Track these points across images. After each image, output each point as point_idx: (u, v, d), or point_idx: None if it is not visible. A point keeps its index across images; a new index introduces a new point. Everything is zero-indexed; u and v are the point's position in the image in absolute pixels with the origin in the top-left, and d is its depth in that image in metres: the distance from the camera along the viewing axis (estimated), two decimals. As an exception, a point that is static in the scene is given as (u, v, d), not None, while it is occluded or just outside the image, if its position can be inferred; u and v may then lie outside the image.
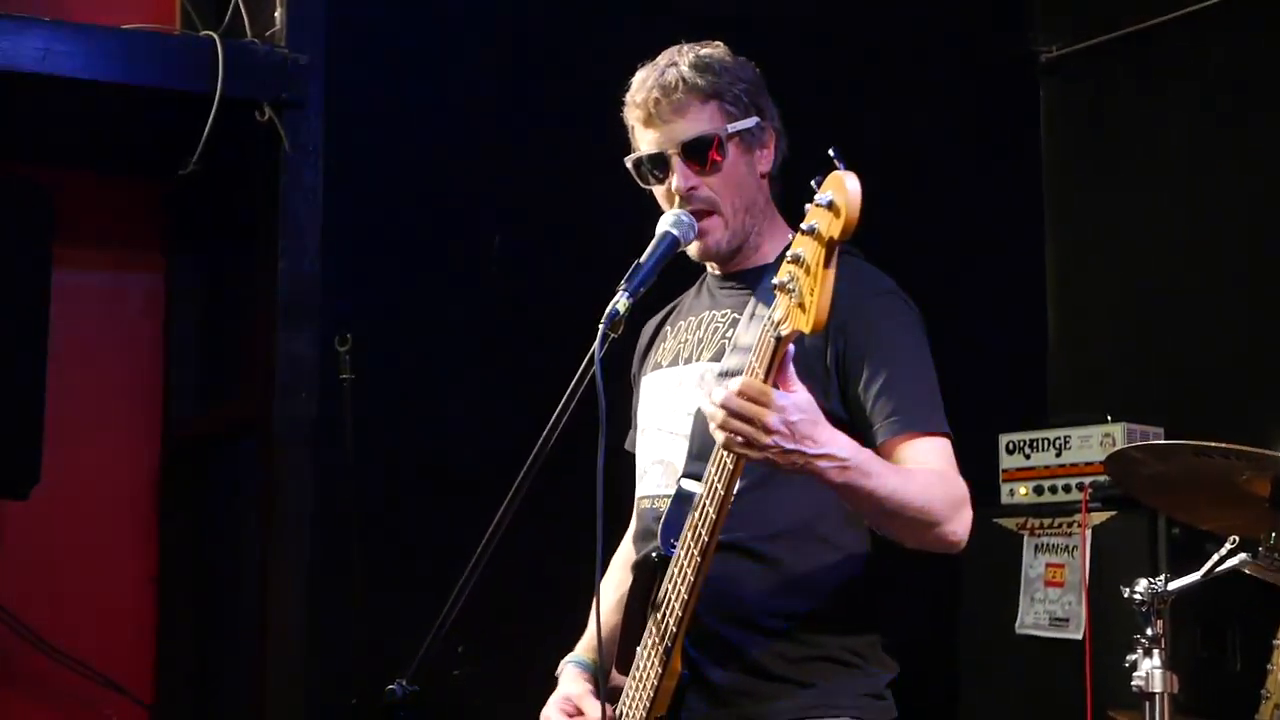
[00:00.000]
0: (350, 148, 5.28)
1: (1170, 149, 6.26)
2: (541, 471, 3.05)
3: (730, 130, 3.18)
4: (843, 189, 2.57)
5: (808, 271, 2.60)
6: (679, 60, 3.21)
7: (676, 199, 3.19)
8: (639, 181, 3.28)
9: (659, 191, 3.25)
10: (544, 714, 3.24)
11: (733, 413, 2.72)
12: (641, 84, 3.23)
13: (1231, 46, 6.08)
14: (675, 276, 3.38)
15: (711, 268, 3.35)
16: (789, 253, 2.64)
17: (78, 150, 5.44)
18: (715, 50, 3.25)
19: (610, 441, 2.89)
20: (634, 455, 3.42)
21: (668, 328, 3.44)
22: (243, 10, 5.00)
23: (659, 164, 3.22)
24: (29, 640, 5.36)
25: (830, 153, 2.65)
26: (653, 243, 3.11)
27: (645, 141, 3.24)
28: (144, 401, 5.71)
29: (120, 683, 5.51)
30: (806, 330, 2.62)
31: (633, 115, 3.26)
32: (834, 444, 2.80)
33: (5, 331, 4.94)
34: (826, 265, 2.58)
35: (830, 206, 2.58)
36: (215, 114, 4.80)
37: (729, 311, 3.24)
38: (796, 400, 2.74)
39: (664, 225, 3.14)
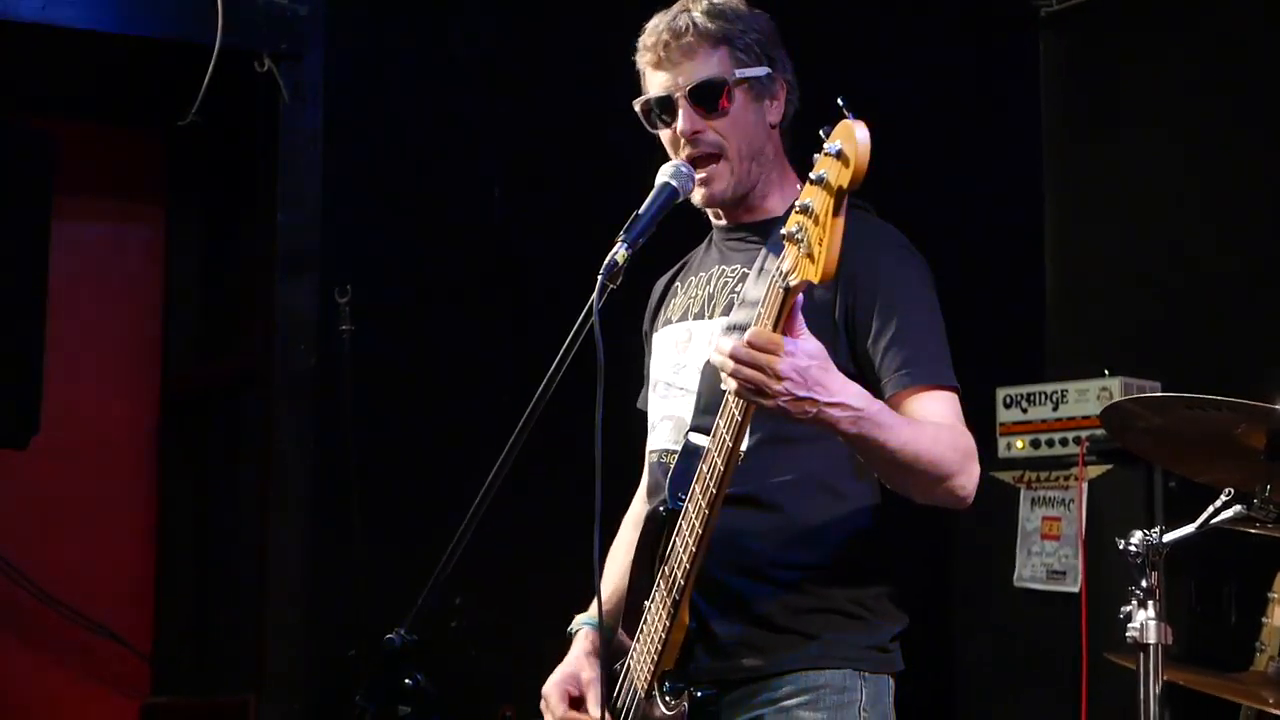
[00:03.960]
0: (350, 99, 5.27)
1: (1169, 104, 6.25)
2: (540, 423, 3.05)
3: (739, 76, 3.15)
4: (852, 138, 2.53)
5: (816, 221, 2.57)
6: (692, 6, 3.19)
7: (681, 145, 3.18)
8: (647, 126, 3.27)
9: (665, 137, 3.22)
10: (547, 688, 3.21)
11: (743, 361, 2.69)
12: (654, 28, 3.21)
13: (1230, 0, 6.07)
14: (684, 234, 3.38)
15: (715, 217, 3.32)
16: (797, 203, 2.61)
17: (78, 100, 5.43)
18: None
19: (610, 392, 2.89)
20: (646, 413, 3.40)
21: (678, 284, 3.41)
22: (243, -39, 5.00)
23: (666, 108, 3.19)
24: (28, 590, 5.38)
25: (839, 102, 2.62)
26: (652, 194, 3.09)
27: (655, 85, 3.21)
28: (143, 352, 5.72)
29: (119, 633, 5.53)
30: (815, 280, 2.58)
31: (643, 59, 3.23)
32: (846, 393, 2.78)
33: (5, 280, 4.94)
34: (836, 214, 2.55)
35: (839, 156, 2.54)
36: (215, 64, 4.80)
37: (738, 267, 3.22)
38: (807, 348, 2.72)
39: (663, 176, 3.12)
